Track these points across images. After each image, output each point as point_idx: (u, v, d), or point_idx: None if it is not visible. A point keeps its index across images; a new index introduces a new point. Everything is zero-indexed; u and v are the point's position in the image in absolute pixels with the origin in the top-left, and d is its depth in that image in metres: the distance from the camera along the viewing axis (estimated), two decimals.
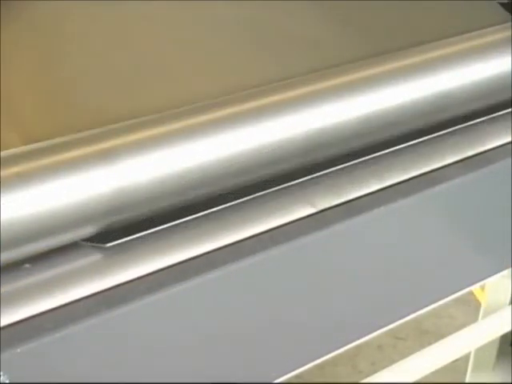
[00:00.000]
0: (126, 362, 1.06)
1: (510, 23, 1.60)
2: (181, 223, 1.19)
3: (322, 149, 1.29)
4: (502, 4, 1.80)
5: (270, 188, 1.27)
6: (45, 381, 0.99)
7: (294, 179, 1.29)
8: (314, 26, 1.59)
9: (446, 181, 1.37)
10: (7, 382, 0.95)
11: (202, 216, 1.21)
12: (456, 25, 1.60)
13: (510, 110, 1.55)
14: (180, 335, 1.11)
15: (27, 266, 1.07)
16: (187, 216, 1.20)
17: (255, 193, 1.25)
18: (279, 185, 1.28)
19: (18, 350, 0.97)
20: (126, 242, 1.14)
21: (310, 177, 1.30)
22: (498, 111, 1.52)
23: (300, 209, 1.25)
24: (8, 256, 1.04)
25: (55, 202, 1.05)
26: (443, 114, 1.43)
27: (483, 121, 1.52)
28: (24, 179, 1.03)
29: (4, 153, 1.06)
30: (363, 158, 1.35)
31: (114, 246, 1.13)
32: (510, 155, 1.47)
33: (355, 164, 1.35)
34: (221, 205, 1.22)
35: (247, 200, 1.25)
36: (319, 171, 1.32)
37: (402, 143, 1.40)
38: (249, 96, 1.27)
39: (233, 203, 1.23)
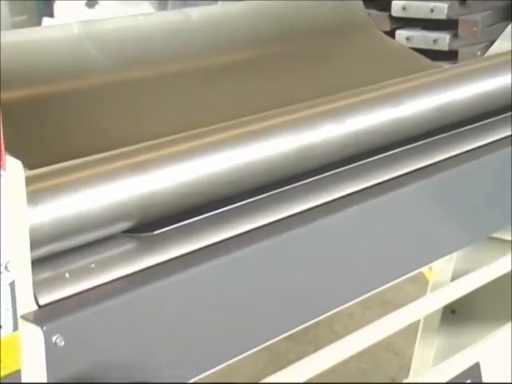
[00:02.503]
0: (151, 328, 1.06)
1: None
2: (198, 220, 1.18)
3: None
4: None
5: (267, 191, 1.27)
6: (91, 343, 0.99)
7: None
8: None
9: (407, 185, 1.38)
10: (62, 343, 0.94)
11: (212, 215, 1.20)
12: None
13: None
14: (198, 308, 1.10)
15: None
16: (202, 214, 1.20)
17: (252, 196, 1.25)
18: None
19: (71, 318, 0.96)
20: (157, 233, 1.14)
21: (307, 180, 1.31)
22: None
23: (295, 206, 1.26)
24: (73, 242, 1.05)
25: (100, 203, 1.06)
26: None
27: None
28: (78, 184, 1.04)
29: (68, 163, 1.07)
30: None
31: (146, 236, 1.13)
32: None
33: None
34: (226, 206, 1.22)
35: (248, 203, 1.25)
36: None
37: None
38: (241, 123, 1.28)
39: (234, 205, 1.24)
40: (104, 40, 1.43)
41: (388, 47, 1.84)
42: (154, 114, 1.37)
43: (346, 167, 1.39)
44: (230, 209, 1.22)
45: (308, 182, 1.32)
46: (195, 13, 1.62)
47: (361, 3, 1.84)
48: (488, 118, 1.65)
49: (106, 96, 1.37)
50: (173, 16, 1.67)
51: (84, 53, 1.38)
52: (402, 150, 1.48)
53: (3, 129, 0.88)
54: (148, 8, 6.18)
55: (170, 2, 6.21)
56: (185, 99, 1.40)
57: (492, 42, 1.94)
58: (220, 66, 1.48)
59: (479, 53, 4.83)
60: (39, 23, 6.57)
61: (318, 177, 1.34)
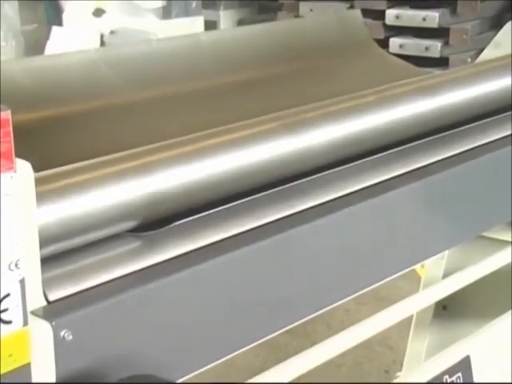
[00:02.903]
0: (155, 323, 1.06)
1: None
2: (200, 218, 1.18)
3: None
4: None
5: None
6: (97, 337, 0.99)
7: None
8: None
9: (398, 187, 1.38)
10: (70, 337, 0.94)
11: (213, 214, 1.20)
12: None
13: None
14: (201, 304, 1.10)
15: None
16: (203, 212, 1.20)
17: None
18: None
19: (79, 314, 0.96)
20: (158, 232, 1.13)
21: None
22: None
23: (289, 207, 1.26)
24: (80, 241, 1.05)
25: (105, 203, 1.06)
26: None
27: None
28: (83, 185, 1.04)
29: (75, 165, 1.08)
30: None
31: (148, 235, 1.13)
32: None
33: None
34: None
35: (248, 203, 1.25)
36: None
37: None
38: (236, 128, 1.28)
39: (234, 204, 1.24)
40: (119, 63, 1.43)
41: (388, 63, 1.84)
42: (166, 130, 1.37)
43: (341, 168, 1.39)
44: (231, 208, 1.22)
45: (305, 184, 1.32)
46: (205, 36, 1.63)
47: (361, 20, 1.84)
48: (477, 121, 1.65)
49: (121, 115, 1.37)
50: (184, 40, 1.69)
51: (101, 76, 1.38)
52: (395, 152, 1.48)
53: (15, 140, 0.88)
54: (153, 17, 6.18)
55: (174, 12, 6.20)
56: (196, 116, 1.40)
57: (481, 50, 1.94)
58: (228, 85, 1.48)
59: (469, 60, 4.84)
60: (48, 32, 6.57)
61: (315, 176, 1.34)
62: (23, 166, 0.91)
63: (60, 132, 1.29)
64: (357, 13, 1.85)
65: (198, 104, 1.45)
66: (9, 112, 0.87)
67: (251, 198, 1.25)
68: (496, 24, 5.00)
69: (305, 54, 1.70)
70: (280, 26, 1.92)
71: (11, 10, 7.06)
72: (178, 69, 1.49)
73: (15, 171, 0.89)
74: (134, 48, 1.55)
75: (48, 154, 1.22)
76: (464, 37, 5.14)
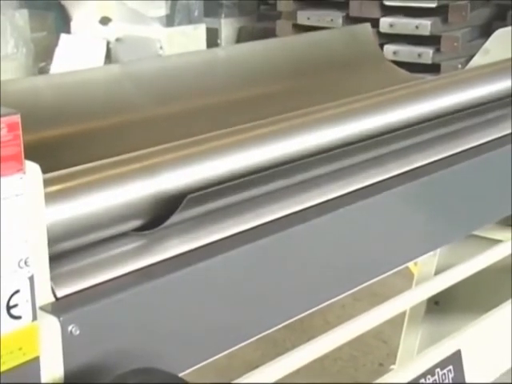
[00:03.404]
0: (158, 319, 1.05)
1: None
2: (201, 217, 1.18)
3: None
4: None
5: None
6: (103, 332, 0.99)
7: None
8: None
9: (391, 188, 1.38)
10: (77, 332, 0.94)
11: (213, 214, 1.20)
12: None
13: None
14: (203, 300, 1.10)
15: None
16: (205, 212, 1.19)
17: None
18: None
19: (86, 309, 0.96)
20: (158, 230, 1.13)
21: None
22: None
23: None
24: (86, 239, 1.05)
25: (110, 203, 1.06)
26: None
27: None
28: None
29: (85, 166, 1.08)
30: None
31: (150, 233, 1.13)
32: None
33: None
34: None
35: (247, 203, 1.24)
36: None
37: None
38: (242, 130, 1.28)
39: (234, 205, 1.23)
40: (141, 78, 1.43)
41: (395, 75, 1.83)
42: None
43: (337, 169, 1.38)
44: (230, 208, 1.21)
45: (304, 184, 1.31)
46: (221, 52, 1.63)
47: (371, 36, 1.83)
48: (467, 124, 1.64)
49: (141, 130, 1.37)
50: (202, 54, 1.69)
51: (123, 90, 1.38)
52: (389, 154, 1.47)
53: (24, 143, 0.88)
54: (157, 25, 6.19)
55: (177, 20, 6.21)
56: (213, 128, 1.40)
57: (471, 56, 1.94)
58: (243, 98, 1.47)
59: (460, 66, 4.84)
60: (57, 39, 6.58)
61: (311, 177, 1.34)
62: (32, 168, 0.91)
63: (81, 143, 1.28)
64: (366, 27, 1.85)
65: (213, 117, 1.44)
66: (18, 116, 0.87)
67: (250, 198, 1.24)
68: (485, 32, 5.00)
69: (317, 67, 1.69)
70: (294, 41, 1.92)
71: (22, 20, 7.09)
72: (192, 83, 1.48)
73: (25, 172, 0.89)
74: (150, 63, 1.55)
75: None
76: (455, 44, 5.15)
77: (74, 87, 1.34)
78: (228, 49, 1.59)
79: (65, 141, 1.26)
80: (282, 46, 1.75)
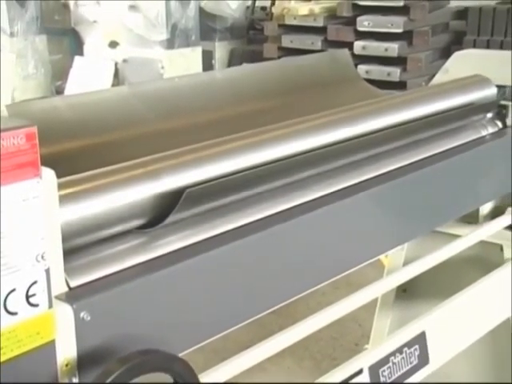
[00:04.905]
0: (160, 306, 1.04)
1: None
2: (199, 216, 1.17)
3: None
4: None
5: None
6: (112, 318, 0.98)
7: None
8: None
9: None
10: (89, 318, 0.94)
11: (206, 215, 1.19)
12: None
13: None
14: (200, 289, 1.10)
15: None
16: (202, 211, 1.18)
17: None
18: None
19: (97, 298, 0.96)
20: (159, 228, 1.12)
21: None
22: None
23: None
24: (97, 236, 1.04)
25: (118, 204, 1.05)
26: None
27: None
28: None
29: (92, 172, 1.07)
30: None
31: (152, 231, 1.12)
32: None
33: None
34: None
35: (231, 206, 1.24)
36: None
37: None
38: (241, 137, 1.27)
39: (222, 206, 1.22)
40: (148, 98, 1.42)
41: (370, 92, 1.83)
42: None
43: (317, 172, 1.37)
44: (222, 209, 1.20)
45: (287, 187, 1.31)
46: (218, 74, 1.62)
47: (349, 58, 1.84)
48: (429, 134, 1.64)
49: (148, 142, 1.36)
50: (202, 77, 1.68)
51: (131, 108, 1.37)
52: (363, 160, 1.46)
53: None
54: (159, 48, 6.18)
55: (176, 43, 6.20)
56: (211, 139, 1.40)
57: (433, 75, 1.94)
58: (237, 114, 1.46)
59: (423, 83, 4.85)
60: (71, 61, 6.57)
61: (294, 180, 1.33)
62: (48, 173, 0.90)
63: (95, 154, 1.28)
64: (345, 52, 1.86)
65: (214, 132, 1.44)
66: (35, 128, 0.87)
67: (241, 199, 1.24)
68: (444, 54, 5.03)
69: (303, 86, 1.68)
70: (283, 64, 1.94)
71: (41, 44, 7.09)
72: (192, 102, 1.47)
73: (41, 177, 0.88)
74: (158, 84, 1.55)
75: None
76: (419, 64, 5.17)
77: (90, 106, 1.33)
78: (224, 71, 1.58)
79: (81, 152, 1.25)
80: (272, 68, 1.75)
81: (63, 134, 1.24)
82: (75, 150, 1.25)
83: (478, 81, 1.80)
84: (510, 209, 1.85)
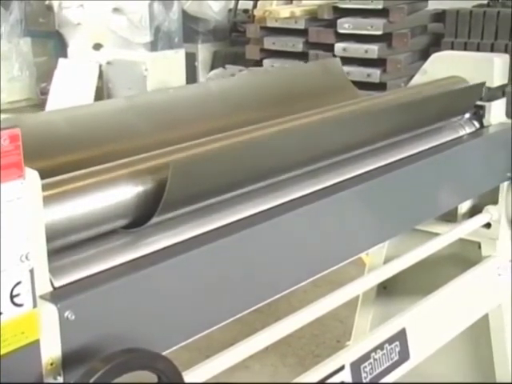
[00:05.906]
0: (144, 305, 1.04)
1: None
2: (183, 215, 1.17)
3: None
4: None
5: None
6: (96, 317, 0.97)
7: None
8: None
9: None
10: (73, 317, 0.93)
11: (190, 213, 1.19)
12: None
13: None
14: (184, 288, 1.09)
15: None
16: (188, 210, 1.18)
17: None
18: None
19: (80, 297, 0.95)
20: (144, 228, 1.12)
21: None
22: None
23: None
24: (80, 236, 1.04)
25: (101, 204, 1.05)
26: None
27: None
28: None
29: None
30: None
31: (137, 231, 1.11)
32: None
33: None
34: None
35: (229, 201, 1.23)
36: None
37: None
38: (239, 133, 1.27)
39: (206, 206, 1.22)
40: (144, 109, 1.41)
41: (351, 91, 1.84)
42: None
43: (300, 173, 1.37)
44: (205, 209, 1.20)
45: (269, 187, 1.31)
46: (213, 85, 1.62)
47: (340, 65, 1.85)
48: (407, 134, 1.65)
49: (143, 150, 1.35)
50: (196, 88, 1.68)
51: (128, 119, 1.37)
52: (343, 160, 1.47)
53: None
54: (142, 50, 6.17)
55: (160, 45, 6.19)
56: None
57: (412, 76, 1.95)
58: (232, 123, 1.46)
59: (402, 84, 4.88)
60: (56, 63, 6.53)
61: (276, 181, 1.33)
62: (31, 174, 0.90)
63: (91, 164, 1.27)
64: (337, 61, 1.88)
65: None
66: (19, 129, 0.86)
67: (224, 198, 1.23)
68: (423, 55, 5.04)
69: (297, 94, 1.69)
70: (277, 73, 1.96)
71: (25, 46, 7.05)
72: (190, 113, 1.47)
73: (25, 178, 0.88)
74: (156, 95, 1.54)
75: None
76: (398, 66, 5.18)
77: (86, 118, 1.32)
78: (218, 82, 1.57)
79: (78, 163, 1.24)
80: (267, 78, 1.76)
81: (58, 148, 1.23)
82: (69, 164, 1.24)
83: (456, 82, 1.81)
84: (487, 207, 1.86)
